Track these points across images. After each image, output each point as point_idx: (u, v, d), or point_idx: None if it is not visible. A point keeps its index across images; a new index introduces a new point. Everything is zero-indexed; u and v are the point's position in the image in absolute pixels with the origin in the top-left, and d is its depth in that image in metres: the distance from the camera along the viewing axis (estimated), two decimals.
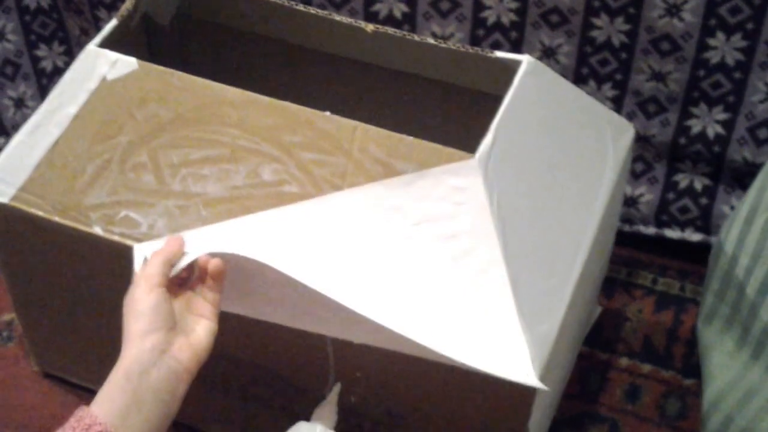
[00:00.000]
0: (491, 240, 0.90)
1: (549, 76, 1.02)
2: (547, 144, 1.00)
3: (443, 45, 1.02)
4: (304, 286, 0.87)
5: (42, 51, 1.40)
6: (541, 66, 1.01)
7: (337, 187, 0.94)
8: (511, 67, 0.99)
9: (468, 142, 0.92)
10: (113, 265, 0.98)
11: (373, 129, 0.94)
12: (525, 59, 0.98)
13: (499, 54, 1.00)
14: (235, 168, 0.97)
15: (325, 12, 1.06)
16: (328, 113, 0.96)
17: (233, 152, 0.97)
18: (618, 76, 1.21)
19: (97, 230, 0.97)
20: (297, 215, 0.94)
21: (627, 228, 1.31)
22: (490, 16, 1.19)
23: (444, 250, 0.91)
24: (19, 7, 1.36)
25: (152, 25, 1.16)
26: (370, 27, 1.04)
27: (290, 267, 0.90)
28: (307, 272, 0.91)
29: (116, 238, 0.96)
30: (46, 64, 1.41)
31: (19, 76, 1.40)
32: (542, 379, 0.89)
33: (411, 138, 0.93)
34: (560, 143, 1.01)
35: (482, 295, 0.90)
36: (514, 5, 1.18)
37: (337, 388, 0.99)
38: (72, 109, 1.02)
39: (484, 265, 0.90)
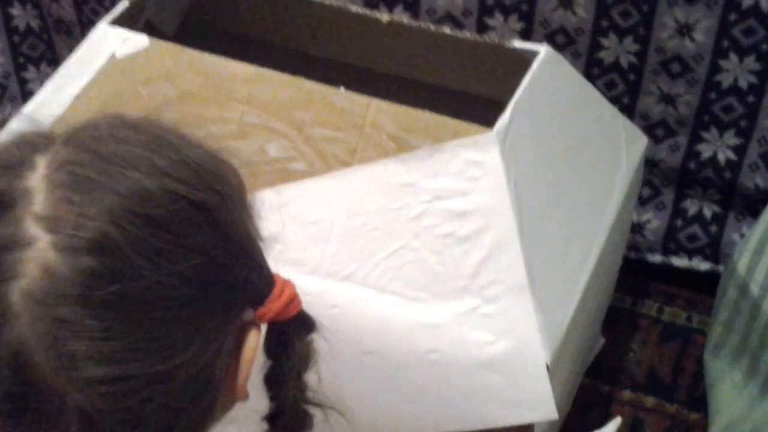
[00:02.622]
0: (507, 217, 0.87)
1: (565, 67, 1.01)
2: (564, 131, 0.98)
3: (460, 35, 1.01)
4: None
5: (30, 73, 1.38)
6: (559, 57, 0.99)
7: (346, 164, 0.91)
8: (527, 58, 0.97)
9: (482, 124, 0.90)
10: None
11: (387, 104, 0.92)
12: (543, 49, 0.97)
13: (517, 44, 0.99)
14: (241, 144, 0.94)
15: (338, 3, 1.05)
16: (342, 89, 0.94)
17: (240, 128, 0.95)
18: (626, 99, 1.20)
19: None
20: (303, 192, 0.91)
21: (633, 255, 1.28)
22: (495, 37, 1.19)
23: (458, 227, 0.88)
24: (8, 28, 1.34)
25: (157, 34, 1.14)
26: (385, 18, 1.03)
27: (293, 247, 0.87)
28: (311, 253, 0.88)
29: None
30: (34, 86, 1.40)
31: (5, 98, 1.38)
32: (552, 368, 0.85)
33: (426, 112, 0.90)
34: (576, 134, 0.99)
35: (495, 272, 0.86)
36: (519, 26, 1.17)
37: (617, 421, 0.95)
38: (78, 87, 1.00)
39: (498, 242, 0.87)
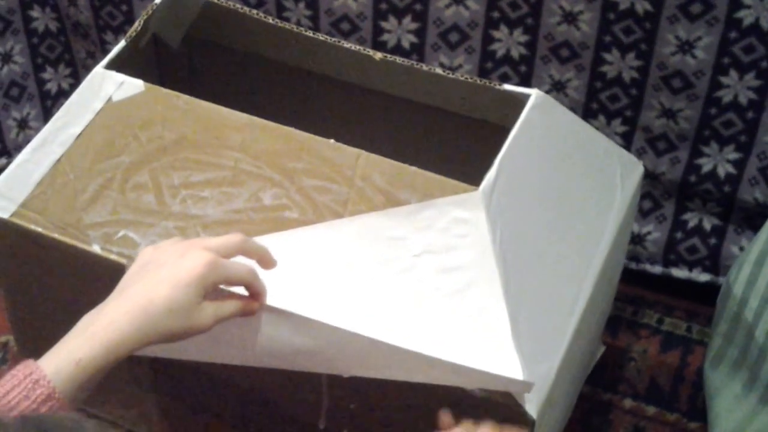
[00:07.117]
0: (492, 275, 0.88)
1: (558, 110, 1.01)
2: (554, 179, 0.98)
3: (451, 76, 1.01)
4: (296, 316, 0.86)
5: (48, 73, 1.40)
6: (550, 100, 0.99)
7: (338, 215, 0.93)
8: (520, 100, 0.98)
9: (475, 173, 0.91)
10: (110, 285, 0.96)
11: (376, 158, 0.93)
12: (534, 93, 0.97)
13: (508, 87, 0.99)
14: (236, 191, 0.96)
15: (334, 39, 1.05)
16: (332, 141, 0.95)
17: (235, 175, 0.96)
18: (628, 113, 1.19)
19: (96, 248, 0.96)
20: (296, 241, 0.93)
21: (633, 266, 1.29)
22: (500, 49, 1.19)
23: (444, 283, 0.89)
24: (27, 29, 1.37)
25: (162, 46, 1.15)
26: (378, 55, 1.03)
27: (285, 294, 0.89)
28: (303, 299, 0.90)
29: (114, 257, 0.95)
30: (51, 86, 1.42)
31: (24, 97, 1.41)
32: (540, 419, 0.87)
33: (414, 168, 0.92)
34: (567, 179, 0.99)
35: (480, 331, 0.88)
36: (523, 39, 1.17)
37: None
38: (76, 129, 1.01)
39: (483, 301, 0.88)
